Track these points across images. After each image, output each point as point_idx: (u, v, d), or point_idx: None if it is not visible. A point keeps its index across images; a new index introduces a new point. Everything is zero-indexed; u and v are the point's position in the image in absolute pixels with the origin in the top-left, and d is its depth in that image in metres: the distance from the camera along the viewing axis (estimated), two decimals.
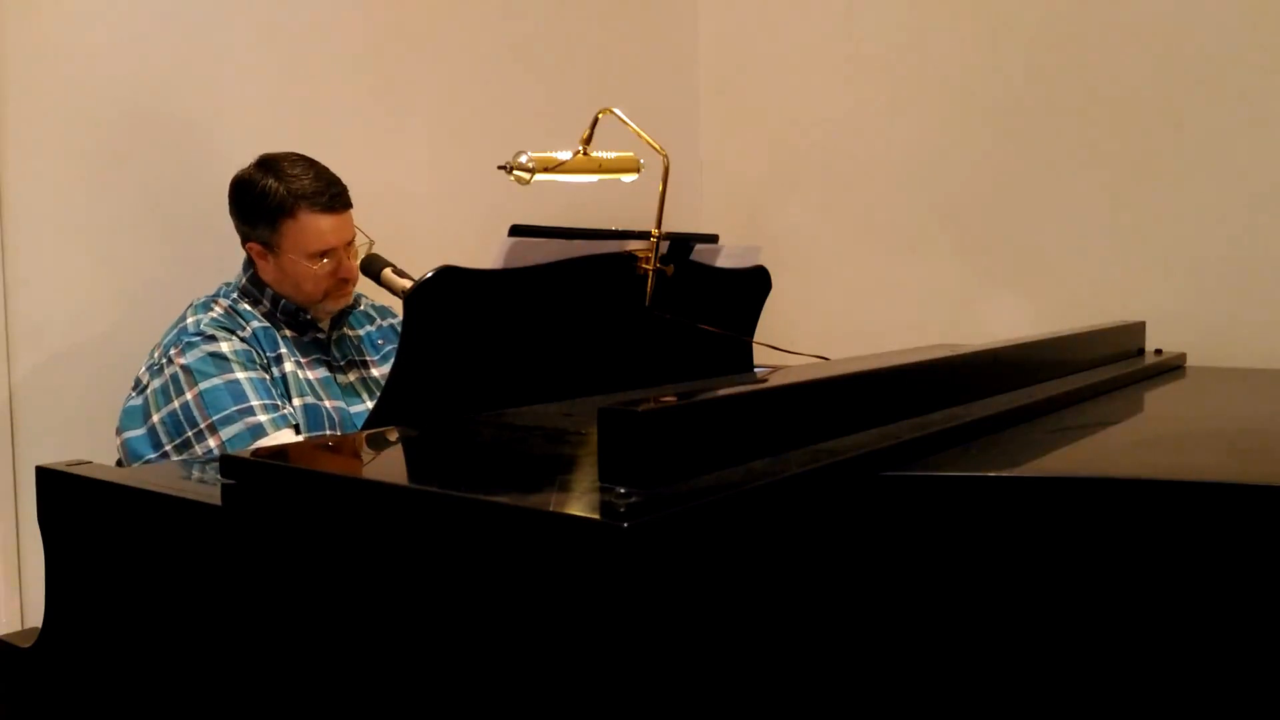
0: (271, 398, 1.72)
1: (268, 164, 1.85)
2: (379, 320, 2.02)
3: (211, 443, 1.65)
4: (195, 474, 1.39)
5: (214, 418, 1.67)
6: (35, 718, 1.23)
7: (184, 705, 1.07)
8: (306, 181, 1.82)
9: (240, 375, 1.71)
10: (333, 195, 1.84)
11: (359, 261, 1.89)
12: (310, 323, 1.90)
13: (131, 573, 1.12)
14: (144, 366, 1.78)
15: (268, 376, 1.76)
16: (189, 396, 1.68)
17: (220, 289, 1.89)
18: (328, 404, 1.82)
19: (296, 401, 1.78)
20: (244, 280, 1.89)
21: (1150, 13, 2.25)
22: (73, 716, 1.18)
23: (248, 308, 1.85)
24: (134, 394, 1.76)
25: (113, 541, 1.14)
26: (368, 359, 1.95)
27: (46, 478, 1.20)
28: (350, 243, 1.87)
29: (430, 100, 2.41)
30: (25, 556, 1.86)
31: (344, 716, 0.92)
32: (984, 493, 0.99)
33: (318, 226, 1.82)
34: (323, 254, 1.83)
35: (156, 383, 1.72)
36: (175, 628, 1.08)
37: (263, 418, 1.67)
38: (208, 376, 1.70)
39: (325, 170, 1.86)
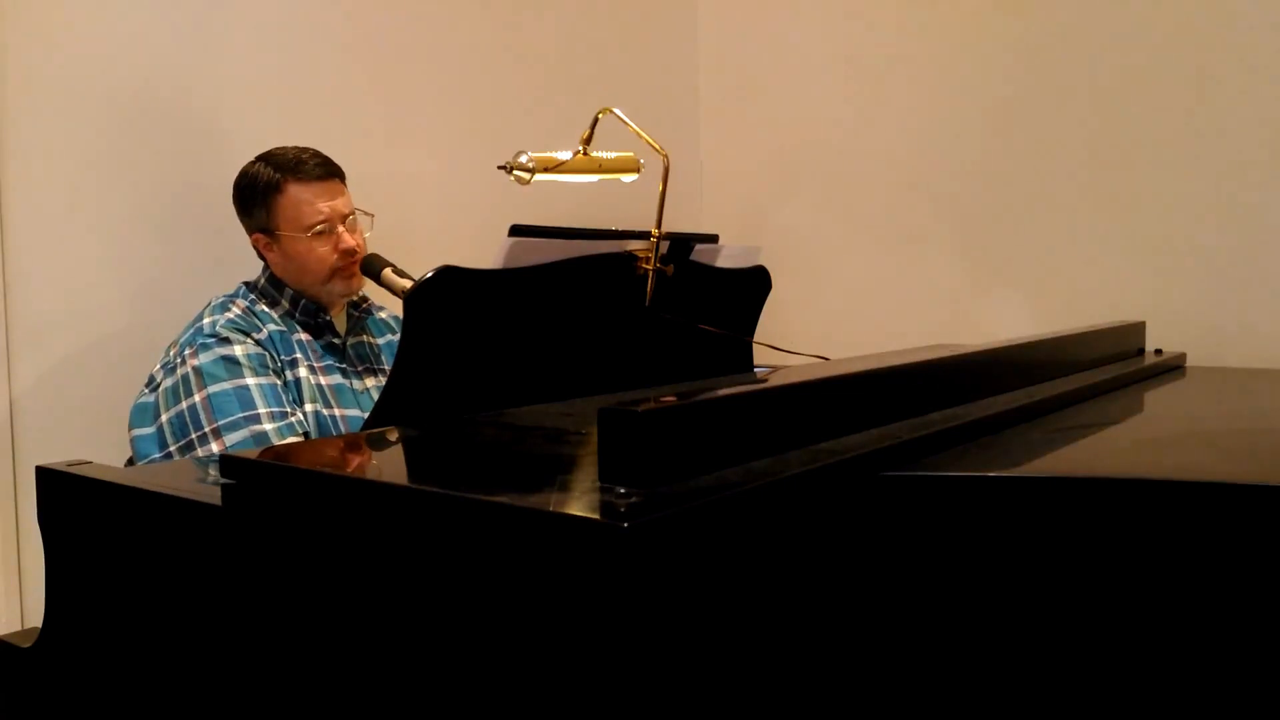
0: (281, 405, 1.71)
1: (261, 155, 1.89)
2: (400, 332, 2.01)
3: (215, 447, 1.65)
4: (196, 474, 1.39)
5: (220, 422, 1.66)
6: (35, 718, 1.23)
7: (184, 705, 1.07)
8: (291, 157, 1.86)
9: (250, 381, 1.71)
10: (317, 164, 1.86)
11: (363, 240, 1.90)
12: (328, 324, 1.90)
13: (132, 573, 1.12)
14: (159, 364, 1.78)
15: (279, 381, 1.75)
16: (197, 399, 1.68)
17: (239, 289, 1.89)
18: (338, 411, 1.82)
19: (309, 407, 1.77)
20: (263, 280, 1.89)
21: (1150, 12, 2.25)
22: (73, 716, 1.18)
23: (265, 309, 1.85)
24: (146, 391, 1.76)
25: (113, 541, 1.14)
26: (387, 367, 1.95)
27: (46, 478, 1.20)
28: (348, 218, 1.88)
29: (431, 100, 2.41)
30: (25, 556, 1.86)
31: (344, 717, 0.92)
32: (984, 493, 0.99)
33: (306, 197, 1.84)
34: (318, 226, 1.84)
35: (168, 382, 1.73)
36: (175, 628, 1.08)
37: (268, 426, 1.67)
38: (218, 380, 1.69)
39: (315, 150, 1.88)
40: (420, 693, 0.86)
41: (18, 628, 1.82)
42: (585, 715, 0.77)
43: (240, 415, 1.67)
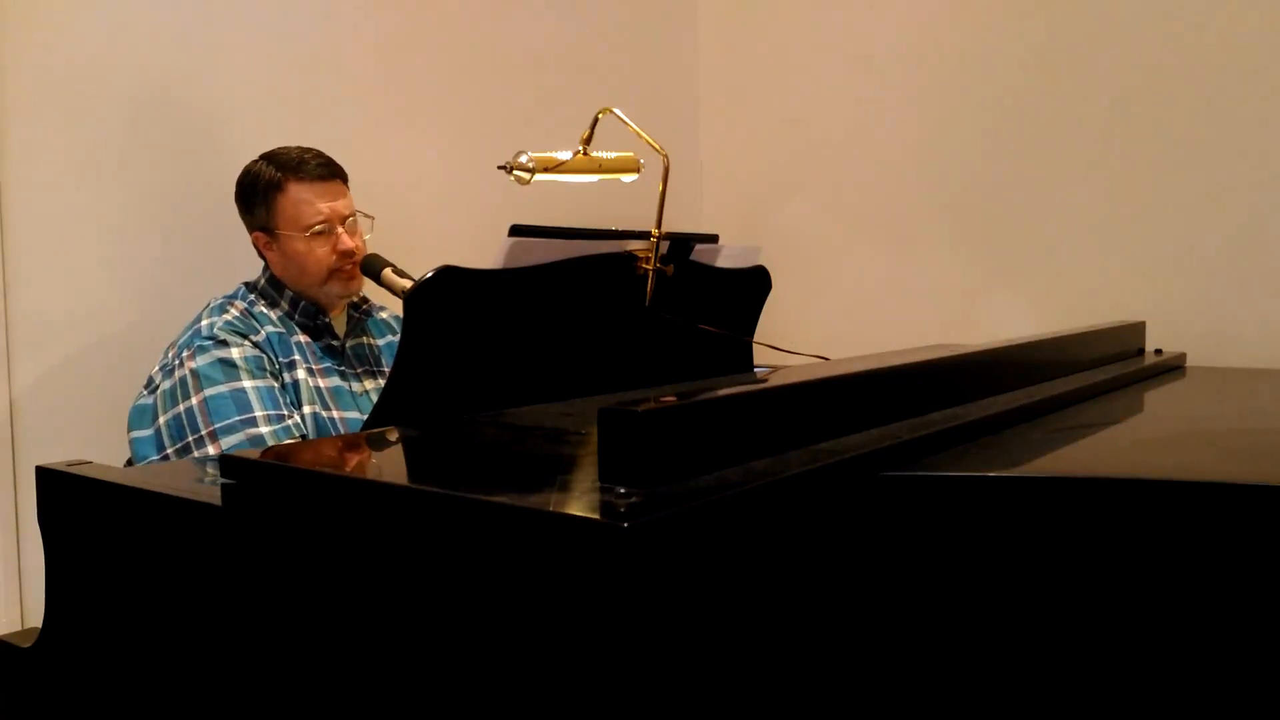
0: (278, 407, 1.71)
1: (264, 154, 1.89)
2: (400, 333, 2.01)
3: (211, 450, 1.64)
4: (195, 474, 1.39)
5: (216, 425, 1.66)
6: (35, 718, 1.23)
7: (184, 705, 1.07)
8: (294, 156, 1.87)
9: (247, 384, 1.70)
10: (319, 164, 1.86)
11: (363, 243, 1.90)
12: (326, 326, 1.90)
13: (132, 573, 1.12)
14: (158, 365, 1.78)
15: (276, 384, 1.75)
16: (194, 402, 1.68)
17: (239, 289, 1.89)
18: (336, 414, 1.81)
19: (307, 409, 1.77)
20: (263, 281, 1.89)
21: (1150, 12, 2.25)
22: (73, 716, 1.18)
23: (264, 310, 1.85)
24: (145, 393, 1.76)
25: (113, 541, 1.14)
26: (387, 369, 1.95)
27: (46, 478, 1.20)
28: (348, 219, 1.88)
29: (431, 100, 2.41)
30: (25, 556, 1.86)
31: (344, 717, 0.92)
32: (984, 493, 0.99)
33: (307, 197, 1.85)
34: (318, 227, 1.84)
35: (166, 384, 1.72)
36: (175, 628, 1.08)
37: (264, 429, 1.67)
38: (214, 383, 1.69)
39: (318, 151, 1.88)
40: (421, 693, 0.86)
41: (18, 628, 1.82)
42: (586, 715, 0.77)
43: (237, 419, 1.67)
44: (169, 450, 1.68)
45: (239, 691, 1.01)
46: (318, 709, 0.95)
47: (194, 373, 1.70)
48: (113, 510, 1.14)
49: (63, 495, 1.19)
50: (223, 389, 1.69)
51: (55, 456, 1.26)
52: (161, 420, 1.70)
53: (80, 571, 1.17)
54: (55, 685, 1.20)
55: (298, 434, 1.72)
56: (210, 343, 1.73)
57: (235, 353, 1.73)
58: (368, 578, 0.90)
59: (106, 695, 1.15)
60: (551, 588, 0.78)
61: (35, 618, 1.55)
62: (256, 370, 1.73)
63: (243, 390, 1.69)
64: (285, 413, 1.71)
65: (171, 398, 1.70)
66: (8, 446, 1.86)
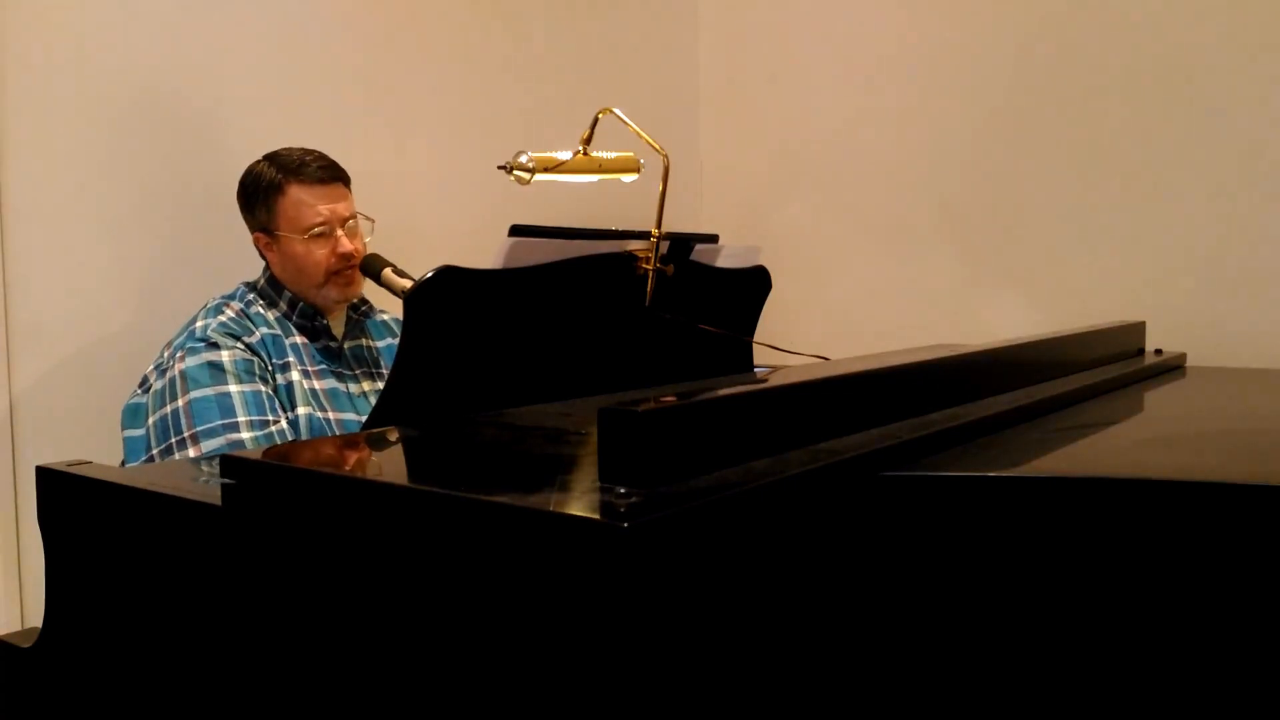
0: (262, 413, 1.70)
1: (267, 155, 1.89)
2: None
3: (191, 453, 1.64)
4: (195, 474, 1.39)
5: (198, 428, 1.66)
6: (35, 718, 1.23)
7: (184, 705, 1.07)
8: (295, 158, 1.87)
9: (233, 388, 1.70)
10: (320, 167, 1.86)
11: (363, 245, 1.90)
12: (324, 328, 1.90)
13: (131, 573, 1.12)
14: (153, 365, 1.78)
15: (264, 388, 1.74)
16: (180, 403, 1.68)
17: (238, 289, 1.88)
18: (332, 415, 1.81)
19: (301, 410, 1.76)
20: (262, 281, 1.89)
21: (1150, 12, 2.25)
22: (73, 716, 1.18)
23: (260, 310, 1.84)
24: (139, 392, 1.76)
25: (113, 541, 1.14)
26: (386, 371, 1.94)
27: (46, 478, 1.20)
28: (348, 221, 1.88)
29: (431, 100, 2.41)
30: (25, 556, 1.86)
31: (344, 717, 0.92)
32: (984, 493, 0.99)
33: (306, 199, 1.85)
34: (317, 229, 1.84)
35: (158, 385, 1.72)
36: (175, 628, 1.08)
37: (245, 434, 1.66)
38: (200, 385, 1.69)
39: (321, 154, 1.88)
40: (421, 693, 0.86)
41: (18, 628, 1.82)
42: (586, 715, 0.77)
43: (219, 422, 1.66)
44: (154, 450, 1.68)
45: (239, 691, 1.01)
46: (318, 709, 0.95)
47: (182, 374, 1.70)
48: (113, 510, 1.14)
49: (63, 495, 1.19)
50: (208, 392, 1.68)
51: (55, 456, 1.26)
52: (150, 420, 1.70)
53: (80, 571, 1.17)
54: (55, 685, 1.20)
55: (280, 440, 1.71)
56: (202, 345, 1.73)
57: (225, 355, 1.72)
58: (368, 578, 0.90)
59: (106, 695, 1.15)
60: (552, 588, 0.78)
61: (35, 618, 1.55)
62: (245, 374, 1.72)
63: (228, 394, 1.69)
64: (270, 418, 1.71)
65: (160, 399, 1.70)
66: (8, 446, 1.86)
